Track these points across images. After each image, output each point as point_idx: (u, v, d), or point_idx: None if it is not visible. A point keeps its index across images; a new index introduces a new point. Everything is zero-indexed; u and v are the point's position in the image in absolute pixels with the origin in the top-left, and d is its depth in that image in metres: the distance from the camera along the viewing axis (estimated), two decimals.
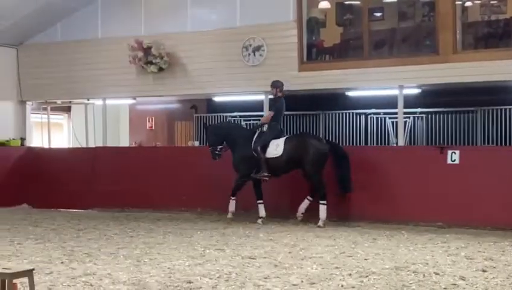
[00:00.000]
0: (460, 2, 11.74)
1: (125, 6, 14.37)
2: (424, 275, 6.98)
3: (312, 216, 11.33)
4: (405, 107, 12.52)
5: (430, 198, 11.17)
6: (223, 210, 11.96)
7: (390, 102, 13.13)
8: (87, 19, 14.70)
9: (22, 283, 5.87)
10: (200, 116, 16.98)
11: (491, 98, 14.04)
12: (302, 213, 11.42)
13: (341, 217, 11.58)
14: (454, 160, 11.15)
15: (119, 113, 17.96)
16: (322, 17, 13.28)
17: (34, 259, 8.03)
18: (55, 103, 16.20)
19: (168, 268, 7.40)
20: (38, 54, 15.17)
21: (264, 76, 12.72)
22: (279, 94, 11.75)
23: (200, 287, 6.45)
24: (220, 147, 11.86)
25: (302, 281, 6.71)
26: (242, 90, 13.45)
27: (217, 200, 12.20)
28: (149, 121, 18.26)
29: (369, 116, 15.67)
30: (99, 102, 15.33)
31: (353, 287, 6.47)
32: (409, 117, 14.94)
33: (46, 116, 16.23)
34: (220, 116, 16.70)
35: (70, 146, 16.85)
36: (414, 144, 15.03)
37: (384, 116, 15.37)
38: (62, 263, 7.78)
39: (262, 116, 13.44)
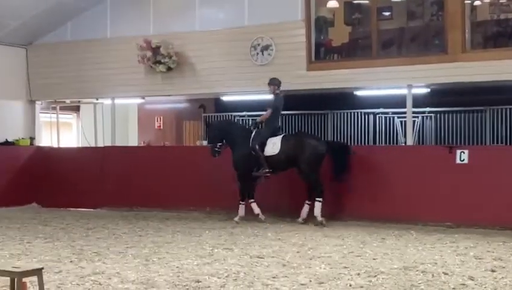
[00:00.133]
0: (469, 1, 11.68)
1: (134, 6, 14.40)
2: (432, 275, 6.96)
3: (311, 215, 11.37)
4: (414, 106, 12.47)
5: (439, 198, 11.13)
6: (231, 209, 11.97)
7: (399, 101, 13.10)
8: (96, 19, 14.74)
9: (31, 282, 5.90)
10: (209, 116, 17.00)
11: (500, 97, 13.99)
12: (304, 218, 11.39)
13: (348, 216, 11.57)
14: (463, 160, 11.11)
15: (127, 113, 18.00)
16: (330, 16, 13.24)
17: (43, 258, 8.07)
18: (64, 102, 16.26)
19: (177, 267, 7.42)
20: (47, 53, 15.22)
21: (272, 75, 12.65)
22: (277, 92, 11.77)
23: (209, 287, 6.46)
24: (219, 144, 11.91)
25: (310, 281, 6.71)
26: (250, 90, 13.45)
27: (226, 200, 12.20)
28: (157, 121, 18.30)
29: (377, 115, 15.64)
30: (108, 101, 15.37)
31: (361, 286, 6.47)
32: (418, 116, 14.90)
33: (55, 115, 16.29)
34: (228, 115, 16.72)
35: (79, 145, 16.90)
36: (423, 143, 14.99)
37: (393, 115, 15.34)
38: (71, 261, 7.81)
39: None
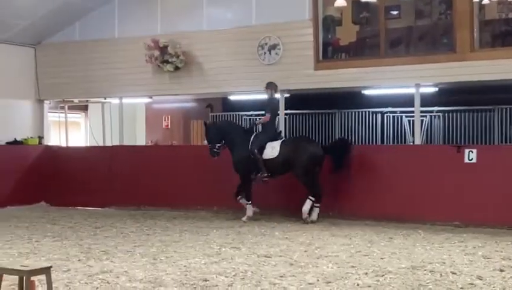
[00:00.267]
0: (477, 0, 11.64)
1: (141, 6, 14.43)
2: (440, 275, 6.94)
3: (322, 216, 11.40)
4: (422, 105, 12.43)
5: (447, 197, 11.10)
6: (238, 209, 11.98)
7: (407, 100, 13.06)
8: (104, 19, 14.77)
9: (39, 281, 5.93)
10: (216, 115, 17.02)
11: (508, 96, 13.91)
12: (312, 219, 11.39)
13: (355, 215, 11.55)
14: (472, 159, 11.07)
15: (135, 112, 18.05)
16: (338, 15, 13.22)
17: (51, 257, 8.11)
18: (73, 101, 16.31)
19: (184, 266, 7.43)
20: (56, 53, 15.27)
21: (279, 75, 12.72)
22: (274, 95, 11.93)
23: (216, 285, 6.47)
24: (218, 145, 11.97)
25: (317, 280, 6.70)
26: (258, 89, 13.41)
27: (233, 199, 12.19)
28: (165, 120, 18.33)
29: (385, 114, 15.60)
30: (116, 101, 15.41)
31: (369, 286, 6.46)
32: (426, 116, 14.85)
33: (63, 115, 16.35)
34: (236, 115, 16.73)
35: (88, 145, 16.95)
36: (431, 142, 14.94)
37: (401, 114, 15.30)
38: (79, 260, 7.84)
39: (278, 114, 13.45)
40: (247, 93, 14.10)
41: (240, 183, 11.88)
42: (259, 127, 12.25)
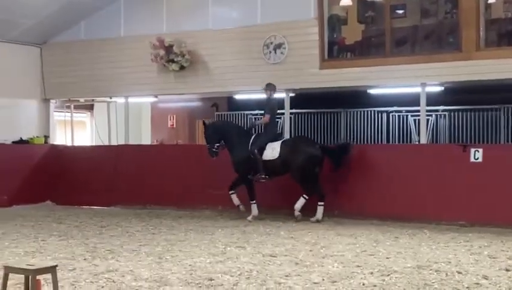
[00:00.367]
0: None
1: (147, 5, 14.45)
2: (446, 274, 6.92)
3: (327, 215, 11.41)
4: (427, 104, 12.40)
5: (453, 196, 11.07)
6: (246, 209, 11.97)
7: (413, 100, 13.03)
8: (110, 18, 14.80)
9: (45, 279, 5.94)
10: (221, 114, 17.02)
11: None
12: (318, 219, 11.38)
13: (360, 215, 11.53)
14: (478, 158, 11.04)
15: (141, 111, 18.07)
16: (343, 14, 13.21)
17: (57, 255, 8.12)
18: (78, 101, 16.35)
19: (190, 265, 7.44)
20: (61, 52, 15.31)
21: (285, 74, 12.72)
22: (273, 96, 11.95)
23: (221, 285, 6.47)
24: (217, 145, 12.01)
25: (323, 279, 6.70)
26: (263, 88, 13.44)
27: (239, 198, 12.19)
28: (170, 119, 18.35)
29: (391, 114, 15.56)
30: (121, 100, 15.44)
31: (375, 285, 6.45)
32: (432, 115, 14.81)
33: (69, 114, 16.39)
34: (241, 114, 16.73)
35: (93, 144, 16.99)
36: (437, 142, 14.90)
37: (407, 114, 15.26)
38: (85, 259, 7.86)
39: (283, 114, 13.48)
40: (252, 92, 14.09)
41: (236, 178, 11.89)
42: (261, 128, 12.25)
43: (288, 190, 12.00)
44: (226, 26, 13.54)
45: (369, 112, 15.70)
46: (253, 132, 12.26)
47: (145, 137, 18.06)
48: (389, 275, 6.90)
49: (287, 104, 13.32)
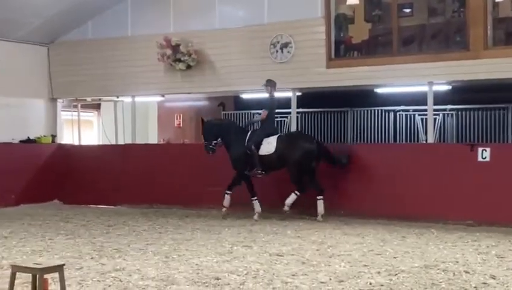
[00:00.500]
0: None
1: (154, 5, 14.46)
2: (454, 274, 6.90)
3: (334, 215, 11.30)
4: (435, 103, 12.36)
5: (460, 196, 11.04)
6: (249, 207, 11.97)
7: (420, 99, 12.99)
8: (117, 17, 14.82)
9: (52, 278, 5.95)
10: (228, 114, 17.01)
11: None
12: (322, 215, 11.38)
13: (368, 214, 11.51)
14: (485, 157, 10.99)
15: (147, 111, 18.09)
16: (350, 13, 13.18)
17: (64, 254, 8.15)
18: (86, 100, 16.39)
19: (196, 264, 7.44)
20: (68, 52, 15.34)
21: (291, 73, 12.70)
22: (273, 93, 11.94)
23: (228, 284, 6.47)
24: (214, 142, 12.04)
25: (330, 279, 6.69)
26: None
27: (244, 197, 12.18)
28: (177, 118, 18.35)
29: (398, 113, 15.53)
30: (128, 99, 15.46)
31: (382, 285, 6.43)
32: (439, 114, 14.76)
33: (76, 113, 16.43)
34: (248, 113, 16.72)
35: (100, 143, 17.02)
36: (444, 141, 14.86)
37: (414, 113, 15.22)
38: (92, 258, 7.87)
39: (289, 113, 13.47)
40: (259, 91, 14.04)
41: (234, 177, 11.93)
42: (259, 124, 12.27)
43: (295, 189, 11.98)
44: (232, 25, 13.53)
45: (376, 111, 15.67)
46: (250, 128, 12.31)
47: (151, 136, 18.08)
48: (396, 274, 6.88)
49: (293, 103, 13.30)
